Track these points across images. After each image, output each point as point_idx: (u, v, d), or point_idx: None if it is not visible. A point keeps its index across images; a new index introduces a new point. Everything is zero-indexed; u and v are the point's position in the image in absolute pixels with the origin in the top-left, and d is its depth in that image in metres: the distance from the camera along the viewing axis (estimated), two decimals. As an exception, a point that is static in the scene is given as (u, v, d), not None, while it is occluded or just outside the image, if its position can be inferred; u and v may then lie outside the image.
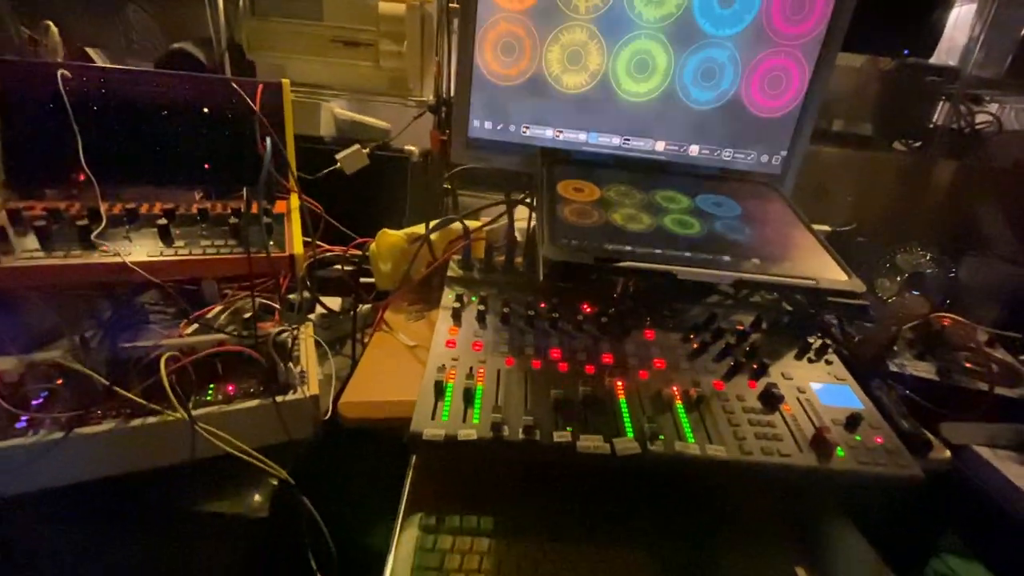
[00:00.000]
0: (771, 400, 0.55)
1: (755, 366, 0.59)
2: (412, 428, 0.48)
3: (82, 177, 0.71)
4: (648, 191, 0.65)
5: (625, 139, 0.76)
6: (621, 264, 0.48)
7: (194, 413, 0.59)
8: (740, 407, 0.54)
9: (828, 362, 0.63)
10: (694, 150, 0.77)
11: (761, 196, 0.68)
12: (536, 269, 0.49)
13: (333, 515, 0.63)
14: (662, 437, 0.49)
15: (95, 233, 0.65)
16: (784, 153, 0.79)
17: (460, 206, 1.27)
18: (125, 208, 0.70)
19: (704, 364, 0.59)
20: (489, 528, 0.51)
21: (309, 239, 0.82)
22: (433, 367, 0.53)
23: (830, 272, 0.53)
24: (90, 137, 0.72)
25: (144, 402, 0.58)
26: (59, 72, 0.69)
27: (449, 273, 0.70)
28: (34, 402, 0.58)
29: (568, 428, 0.49)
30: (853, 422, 0.54)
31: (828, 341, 0.64)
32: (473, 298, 0.65)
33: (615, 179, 0.66)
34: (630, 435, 0.49)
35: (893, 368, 0.71)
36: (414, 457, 0.55)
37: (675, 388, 0.54)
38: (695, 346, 0.61)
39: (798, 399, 0.56)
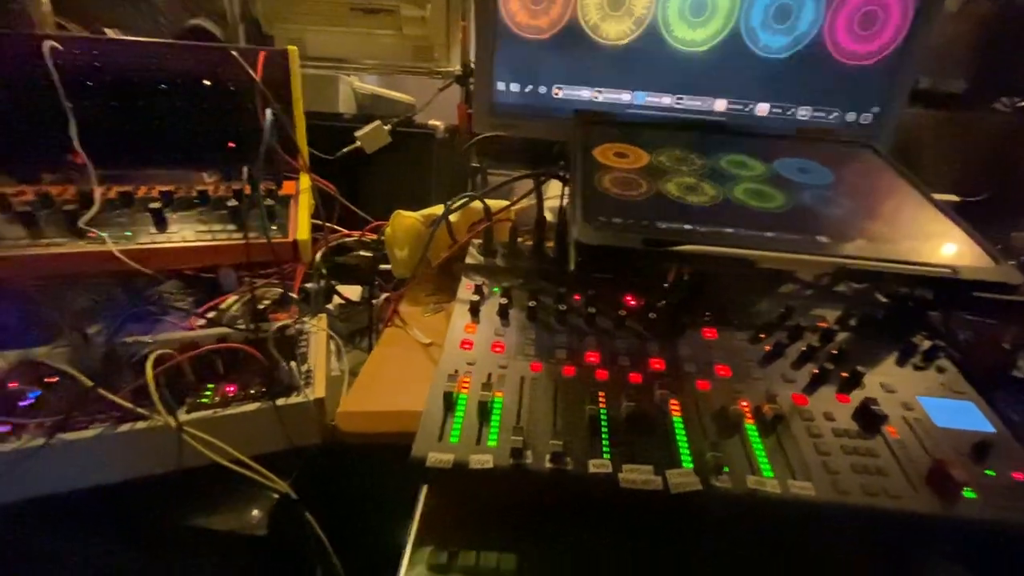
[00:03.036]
0: (870, 420, 0.43)
1: (845, 375, 0.47)
2: (414, 452, 0.39)
3: (79, 159, 0.66)
4: (711, 155, 0.52)
5: (678, 98, 0.64)
6: (681, 248, 0.37)
7: (188, 417, 0.53)
8: (830, 429, 0.42)
9: (940, 369, 0.49)
10: (762, 109, 0.64)
11: (857, 160, 0.55)
12: (567, 256, 0.39)
13: (340, 533, 0.57)
14: (728, 469, 0.38)
15: (84, 219, 0.59)
16: (876, 110, 0.64)
17: (489, 185, 1.18)
18: (120, 192, 0.65)
19: (780, 372, 0.47)
20: (511, 569, 0.42)
21: (320, 223, 0.75)
22: (443, 373, 0.44)
23: (968, 256, 0.40)
24: (86, 115, 0.66)
25: (131, 406, 0.52)
26: (47, 44, 0.64)
27: (468, 260, 0.61)
28: (21, 404, 0.53)
29: (608, 455, 0.39)
30: (982, 451, 0.42)
31: (939, 343, 0.50)
32: (495, 289, 0.55)
33: (667, 142, 0.54)
34: (688, 466, 0.39)
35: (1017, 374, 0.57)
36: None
37: (744, 403, 0.43)
38: (767, 348, 0.49)
39: (905, 419, 0.44)
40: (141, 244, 0.58)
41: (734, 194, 0.46)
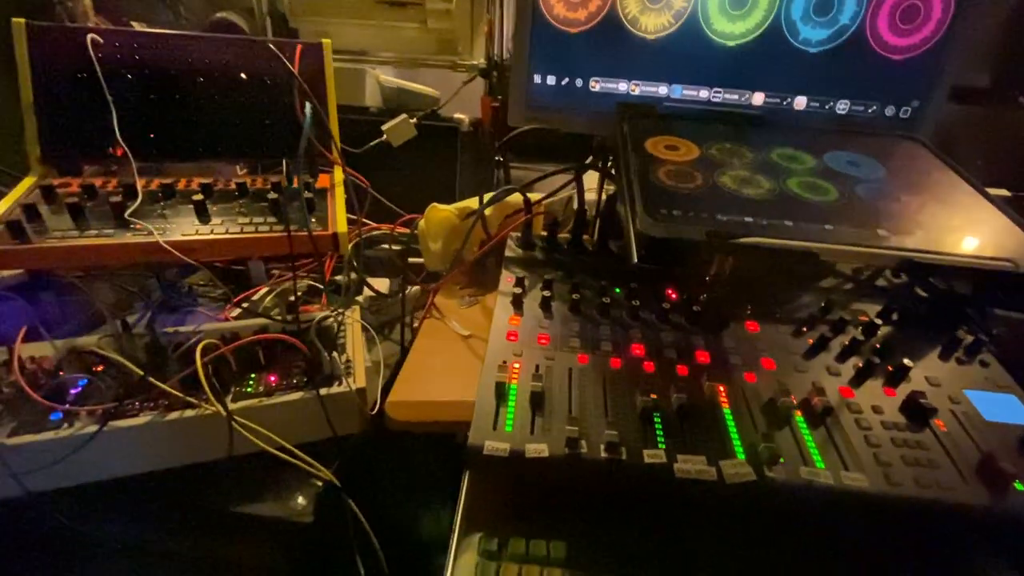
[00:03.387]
0: (919, 413, 0.43)
1: (891, 368, 0.47)
2: (471, 440, 0.40)
3: (119, 152, 0.67)
4: (761, 148, 0.52)
5: (715, 92, 0.64)
6: (745, 241, 0.38)
7: (234, 406, 0.54)
8: (879, 422, 0.43)
9: (983, 363, 0.50)
10: (800, 102, 0.64)
11: (907, 153, 0.55)
12: (627, 249, 0.40)
13: (381, 519, 0.58)
14: (783, 460, 0.39)
15: (129, 211, 0.60)
16: (916, 104, 0.64)
17: (512, 179, 1.18)
18: (162, 184, 0.66)
19: (825, 365, 0.48)
20: (561, 557, 0.42)
21: (354, 216, 0.75)
22: (493, 364, 0.45)
23: (1026, 250, 0.40)
24: (126, 108, 0.67)
25: (180, 394, 0.53)
26: (88, 37, 0.65)
27: (507, 253, 0.61)
28: (72, 391, 0.55)
29: (662, 446, 0.39)
30: (1031, 445, 0.42)
31: (982, 337, 0.50)
32: (536, 282, 0.56)
33: (715, 135, 0.54)
34: (741, 456, 0.39)
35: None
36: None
37: (792, 396, 0.44)
38: (810, 342, 0.50)
39: (953, 412, 0.44)
40: (186, 236, 0.59)
41: (789, 187, 0.46)
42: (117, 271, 0.77)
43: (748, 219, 0.41)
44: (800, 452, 0.40)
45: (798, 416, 0.43)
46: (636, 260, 0.38)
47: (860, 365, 0.47)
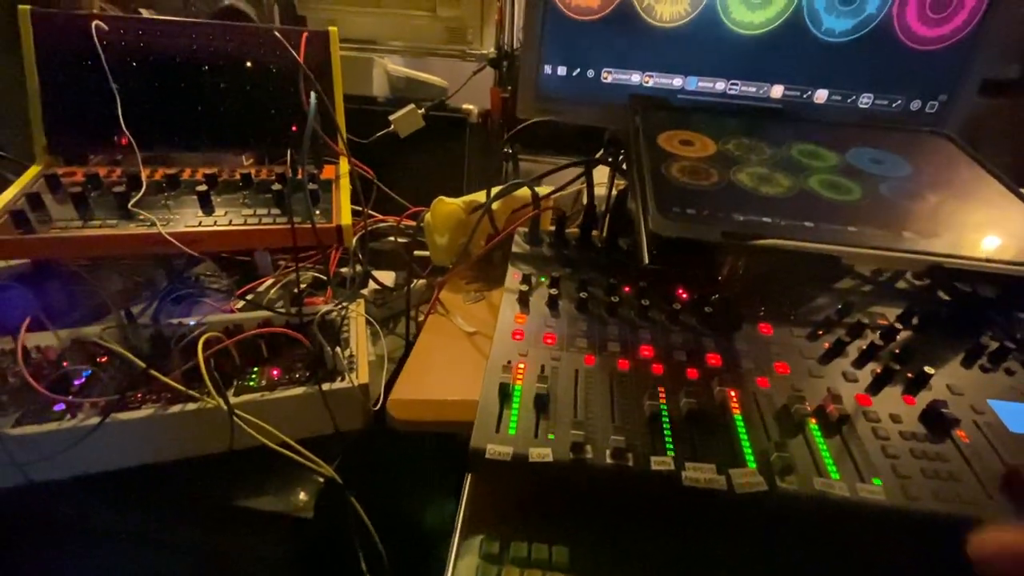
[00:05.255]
0: (940, 423, 0.41)
1: (911, 375, 0.45)
2: (473, 443, 0.39)
3: (124, 141, 0.66)
4: (780, 144, 0.50)
5: (732, 83, 0.62)
6: (763, 243, 0.36)
7: (236, 400, 0.54)
8: (897, 432, 0.41)
9: (1009, 372, 0.47)
10: (821, 96, 0.61)
11: (935, 150, 0.52)
12: (638, 249, 0.38)
13: (383, 516, 0.57)
14: (795, 471, 0.37)
15: (133, 201, 0.60)
16: (944, 98, 0.61)
17: (521, 172, 1.16)
18: (166, 174, 0.65)
19: (841, 370, 0.46)
20: (564, 562, 0.41)
21: (359, 208, 0.74)
22: (497, 364, 0.44)
23: (1064, 256, 0.38)
24: (131, 96, 0.66)
25: (182, 388, 0.53)
26: (93, 24, 0.64)
27: (514, 249, 0.60)
28: (76, 382, 0.55)
29: (670, 452, 0.38)
30: (1058, 458, 0.40)
31: (1009, 343, 0.48)
32: (542, 279, 0.55)
33: (732, 129, 0.52)
34: (751, 465, 0.38)
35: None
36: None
37: (807, 403, 0.42)
38: (826, 346, 0.48)
39: (976, 423, 0.42)
40: (189, 227, 0.58)
41: (809, 185, 0.44)
42: (123, 260, 0.77)
43: (766, 219, 0.39)
44: (814, 462, 0.38)
45: (812, 424, 0.41)
46: (647, 261, 0.37)
47: (878, 371, 0.45)
